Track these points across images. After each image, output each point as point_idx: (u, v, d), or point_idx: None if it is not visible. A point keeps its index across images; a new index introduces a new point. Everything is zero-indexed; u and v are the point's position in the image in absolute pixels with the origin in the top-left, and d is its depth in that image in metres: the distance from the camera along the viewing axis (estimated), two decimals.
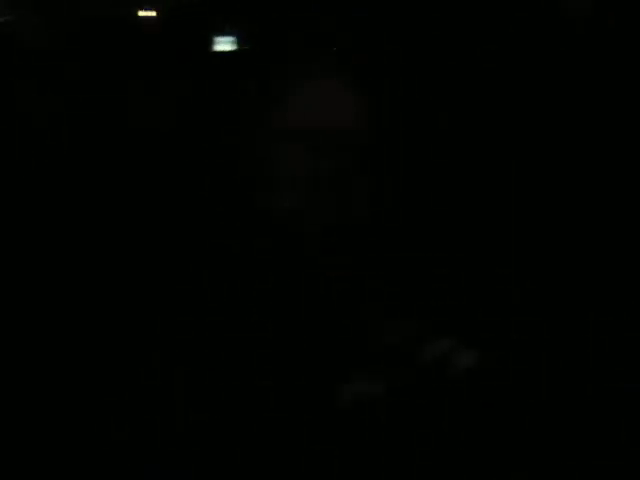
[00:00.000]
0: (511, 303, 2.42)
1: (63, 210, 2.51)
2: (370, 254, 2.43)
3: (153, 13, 2.73)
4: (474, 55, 2.70)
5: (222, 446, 2.15)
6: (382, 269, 2.42)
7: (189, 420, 2.17)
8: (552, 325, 2.38)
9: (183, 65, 2.67)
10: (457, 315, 2.39)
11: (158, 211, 2.48)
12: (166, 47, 2.71)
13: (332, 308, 2.32)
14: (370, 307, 2.34)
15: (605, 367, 2.31)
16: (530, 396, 2.28)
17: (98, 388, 2.23)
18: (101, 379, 2.25)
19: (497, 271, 2.46)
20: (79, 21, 2.66)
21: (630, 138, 2.63)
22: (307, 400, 2.21)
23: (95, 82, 2.64)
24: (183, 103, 2.62)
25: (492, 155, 2.67)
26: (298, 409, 2.20)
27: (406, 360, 2.29)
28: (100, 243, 2.46)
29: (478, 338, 2.35)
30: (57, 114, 2.57)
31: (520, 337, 2.36)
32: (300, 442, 2.14)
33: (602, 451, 2.19)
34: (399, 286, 2.40)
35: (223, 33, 2.66)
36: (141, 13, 2.72)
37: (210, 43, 2.68)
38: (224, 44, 2.66)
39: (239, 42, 2.64)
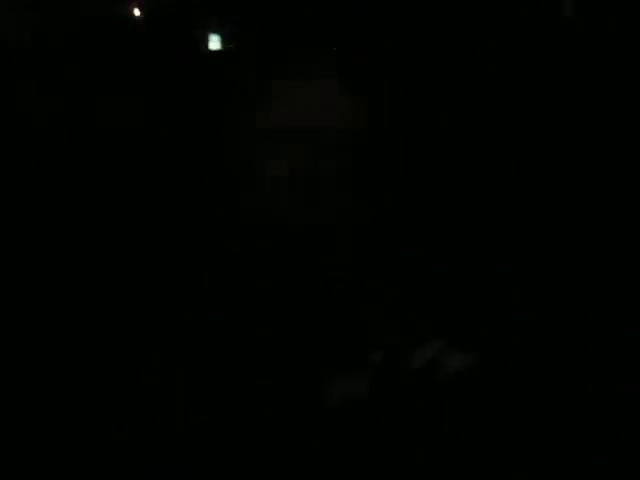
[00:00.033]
0: (510, 303, 2.42)
1: (62, 210, 2.51)
2: (367, 254, 2.43)
3: (137, 12, 2.72)
4: (474, 55, 2.70)
5: (222, 446, 2.15)
6: (379, 269, 2.42)
7: (189, 420, 2.18)
8: (551, 325, 2.39)
9: (170, 64, 2.66)
10: (456, 315, 2.39)
11: (156, 211, 2.48)
12: (152, 46, 2.70)
13: (329, 308, 2.32)
14: (367, 307, 2.34)
15: (605, 367, 2.31)
16: (529, 396, 2.29)
17: (98, 388, 2.24)
18: (101, 379, 2.25)
19: (496, 271, 2.46)
20: (65, 19, 2.65)
21: (630, 139, 2.63)
22: (305, 400, 2.21)
23: (80, 80, 2.63)
24: (172, 102, 2.61)
25: (491, 155, 2.67)
26: (297, 409, 2.20)
27: (403, 359, 2.29)
28: (99, 243, 2.46)
29: (477, 338, 2.36)
30: (44, 113, 2.57)
31: (519, 337, 2.36)
32: (299, 442, 2.15)
33: (602, 451, 2.20)
34: (396, 286, 2.40)
35: (213, 31, 2.65)
36: (125, 12, 2.71)
37: (201, 41, 2.67)
38: (215, 43, 2.65)
39: (230, 40, 2.62)
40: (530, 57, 2.71)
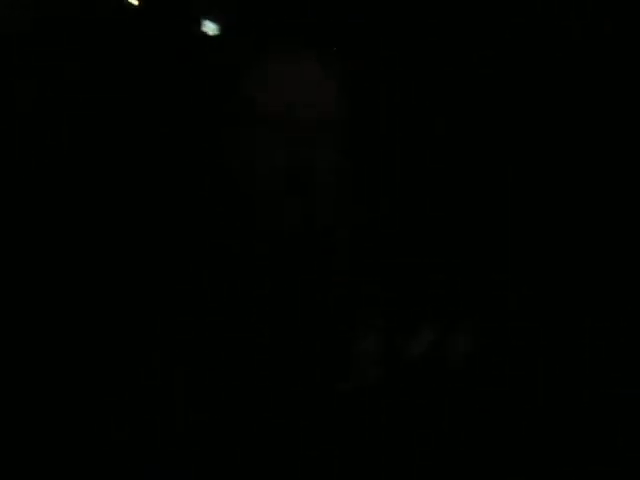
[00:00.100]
0: (508, 308, 2.44)
1: (63, 210, 2.51)
2: (364, 255, 2.44)
3: (135, 1, 2.71)
4: (470, 60, 2.72)
5: (222, 446, 2.16)
6: (376, 271, 2.43)
7: (189, 420, 2.18)
8: (549, 330, 2.40)
9: (167, 51, 2.65)
10: (455, 319, 2.41)
11: (153, 208, 2.48)
12: (149, 34, 2.68)
13: (326, 307, 2.33)
14: (366, 308, 2.36)
15: (602, 373, 2.33)
16: (527, 402, 2.30)
17: (98, 388, 2.24)
18: (101, 379, 2.25)
19: (493, 276, 2.48)
20: (61, 6, 2.63)
21: (628, 142, 2.64)
22: (305, 399, 2.23)
23: (79, 69, 2.61)
24: (168, 91, 2.60)
25: (488, 159, 2.68)
26: (297, 408, 2.21)
27: (400, 348, 2.30)
28: (99, 243, 2.46)
29: (475, 343, 2.37)
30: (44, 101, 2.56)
31: (517, 342, 2.38)
32: (299, 441, 2.16)
33: (599, 455, 2.22)
34: (393, 287, 2.41)
35: (209, 19, 2.63)
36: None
37: (197, 29, 2.66)
38: (211, 30, 2.64)
39: (225, 28, 2.59)
40: (527, 62, 2.73)
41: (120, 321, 2.31)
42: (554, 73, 2.69)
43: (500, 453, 2.23)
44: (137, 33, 2.59)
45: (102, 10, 2.57)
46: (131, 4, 2.70)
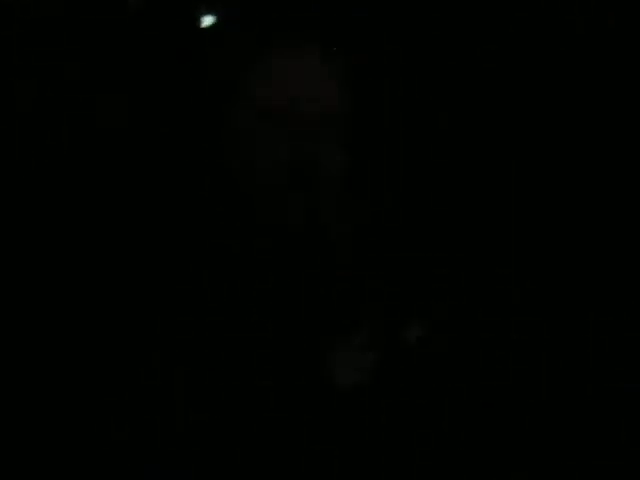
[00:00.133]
0: (510, 302, 2.42)
1: (62, 209, 2.51)
2: (367, 249, 2.43)
3: None
4: (474, 55, 2.71)
5: (222, 446, 2.15)
6: (380, 265, 2.42)
7: (189, 420, 2.17)
8: (551, 325, 2.39)
9: (165, 43, 2.64)
10: (455, 314, 2.39)
11: (154, 204, 2.48)
12: (148, 28, 2.68)
13: (329, 301, 2.32)
14: (368, 303, 2.35)
15: (605, 367, 2.31)
16: (528, 396, 2.29)
17: (98, 388, 2.23)
18: (101, 379, 2.25)
19: (495, 270, 2.46)
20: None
21: (630, 140, 2.63)
22: (305, 398, 2.21)
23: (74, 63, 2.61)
24: (166, 84, 2.60)
25: (492, 153, 2.67)
26: (297, 407, 2.20)
27: (404, 352, 2.29)
28: (96, 241, 2.46)
29: (476, 338, 2.36)
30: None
31: (519, 337, 2.36)
32: (300, 441, 2.15)
33: (601, 451, 2.20)
34: (396, 281, 2.40)
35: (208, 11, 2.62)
36: None
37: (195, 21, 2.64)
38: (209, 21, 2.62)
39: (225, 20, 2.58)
40: (531, 58, 2.71)
41: (119, 320, 2.30)
42: (559, 67, 2.68)
43: (502, 447, 2.22)
44: (136, 27, 2.59)
45: (101, 5, 2.57)
46: None
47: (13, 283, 2.36)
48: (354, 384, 2.23)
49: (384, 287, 2.37)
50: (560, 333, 2.40)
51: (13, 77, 2.58)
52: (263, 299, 2.31)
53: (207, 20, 2.61)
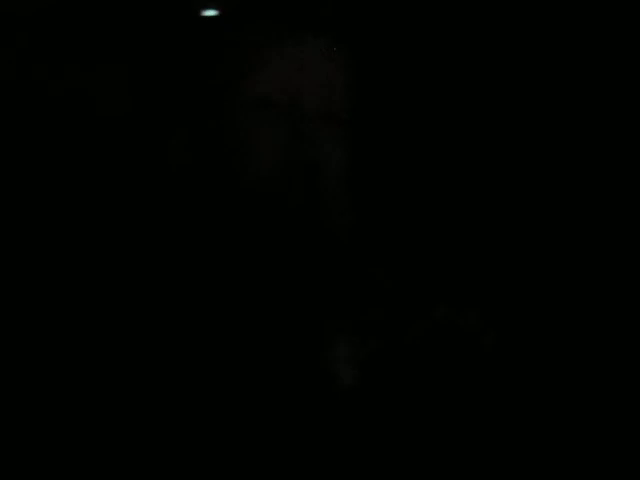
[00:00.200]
0: (511, 301, 2.42)
1: (60, 209, 2.49)
2: (369, 246, 2.43)
3: None
4: (474, 55, 2.70)
5: (222, 446, 2.14)
6: (381, 261, 2.42)
7: (189, 420, 2.16)
8: (553, 324, 2.39)
9: (164, 29, 2.62)
10: (461, 305, 2.39)
11: (153, 202, 2.47)
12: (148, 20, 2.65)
13: (329, 298, 2.31)
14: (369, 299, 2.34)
15: (605, 366, 2.32)
16: (530, 394, 2.29)
17: (98, 388, 2.22)
18: (101, 379, 2.23)
19: (499, 262, 2.47)
20: None
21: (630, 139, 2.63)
22: (306, 398, 2.21)
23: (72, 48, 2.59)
24: (165, 69, 2.58)
25: (494, 150, 2.67)
26: (298, 407, 2.20)
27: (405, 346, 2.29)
28: (97, 239, 2.45)
29: (477, 341, 2.36)
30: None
31: (521, 335, 2.37)
32: (301, 442, 2.14)
33: (602, 451, 2.20)
34: (397, 278, 2.40)
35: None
36: None
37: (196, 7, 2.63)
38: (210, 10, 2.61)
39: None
40: (529, 57, 2.71)
41: (119, 320, 2.29)
42: (560, 67, 2.68)
43: (506, 443, 2.22)
44: (136, 20, 2.57)
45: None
46: None
47: (13, 282, 2.35)
48: (353, 381, 2.23)
49: (384, 284, 2.37)
50: (560, 332, 2.41)
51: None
52: (263, 294, 2.30)
53: (208, 13, 2.61)
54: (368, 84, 2.56)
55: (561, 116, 2.59)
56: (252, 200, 2.31)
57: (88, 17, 2.55)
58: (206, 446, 2.17)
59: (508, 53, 2.62)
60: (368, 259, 2.38)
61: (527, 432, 2.23)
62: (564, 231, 2.51)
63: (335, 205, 2.34)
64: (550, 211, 2.52)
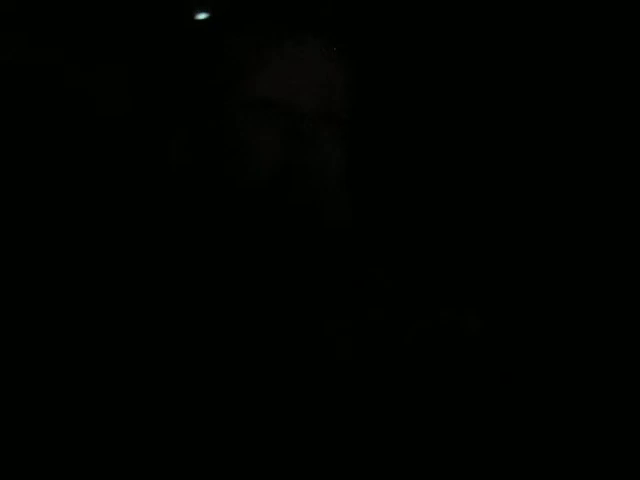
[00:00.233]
0: (512, 302, 2.43)
1: (59, 208, 2.50)
2: (367, 247, 2.43)
3: None
4: (474, 55, 2.71)
5: (222, 446, 2.14)
6: (380, 261, 2.42)
7: (189, 420, 2.16)
8: (555, 325, 2.39)
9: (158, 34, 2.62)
10: (463, 305, 2.39)
11: (149, 203, 2.47)
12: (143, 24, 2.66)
13: (328, 297, 2.31)
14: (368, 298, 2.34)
15: (608, 368, 2.32)
16: (530, 395, 2.29)
17: (98, 388, 2.22)
18: (101, 379, 2.23)
19: (502, 262, 2.47)
20: None
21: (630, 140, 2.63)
22: (305, 399, 2.21)
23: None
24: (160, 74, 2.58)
25: (495, 151, 2.67)
26: (297, 407, 2.20)
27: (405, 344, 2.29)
28: (96, 239, 2.45)
29: (478, 341, 2.36)
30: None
31: (522, 336, 2.37)
32: (301, 442, 2.14)
33: (602, 452, 2.20)
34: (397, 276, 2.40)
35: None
36: None
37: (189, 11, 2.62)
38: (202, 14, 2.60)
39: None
40: (530, 57, 2.71)
41: (119, 320, 2.29)
42: (565, 67, 2.68)
43: (506, 444, 2.22)
44: (135, 19, 2.58)
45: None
46: None
47: (13, 282, 2.35)
48: (352, 381, 2.23)
49: (384, 284, 2.37)
50: (559, 332, 2.41)
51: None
52: (260, 295, 2.30)
53: (197, 19, 2.60)
54: (368, 84, 2.56)
55: (557, 117, 2.59)
56: (251, 200, 2.31)
57: (88, 16, 2.55)
58: (207, 431, 2.16)
59: (509, 52, 2.62)
60: (368, 259, 2.38)
61: (527, 432, 2.23)
62: (565, 231, 2.50)
63: (335, 205, 2.34)
64: (551, 211, 2.52)
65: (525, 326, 2.33)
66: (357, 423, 2.16)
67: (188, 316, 2.24)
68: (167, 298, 2.27)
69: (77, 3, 2.61)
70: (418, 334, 2.25)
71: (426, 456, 2.15)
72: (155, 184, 2.42)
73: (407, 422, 2.18)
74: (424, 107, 2.62)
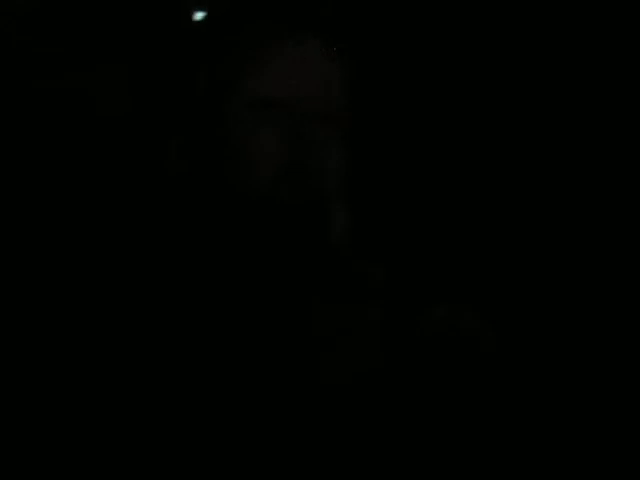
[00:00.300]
0: (512, 302, 2.42)
1: (58, 208, 2.49)
2: (367, 248, 2.43)
3: None
4: (474, 55, 2.71)
5: (222, 446, 2.14)
6: (378, 264, 2.42)
7: (189, 420, 2.16)
8: (554, 325, 2.39)
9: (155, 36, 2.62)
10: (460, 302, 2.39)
11: (147, 204, 2.47)
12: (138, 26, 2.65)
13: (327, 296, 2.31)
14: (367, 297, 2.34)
15: (607, 369, 2.32)
16: (530, 396, 2.29)
17: (98, 388, 2.22)
18: (101, 379, 2.23)
19: (497, 269, 2.47)
20: None
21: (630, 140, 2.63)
22: (304, 399, 2.21)
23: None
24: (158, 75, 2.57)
25: (494, 153, 2.67)
26: (295, 407, 2.19)
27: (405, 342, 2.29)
28: (96, 240, 2.45)
29: (477, 342, 2.36)
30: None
31: (521, 337, 2.36)
32: (301, 443, 2.14)
33: (603, 452, 2.20)
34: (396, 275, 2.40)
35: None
36: None
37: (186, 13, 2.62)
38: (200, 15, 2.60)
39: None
40: (530, 57, 2.71)
41: (119, 320, 2.29)
42: (559, 67, 2.68)
43: (506, 444, 2.22)
44: (135, 20, 2.58)
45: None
46: None
47: (13, 282, 2.35)
48: (351, 381, 2.23)
49: (384, 284, 2.37)
50: (559, 333, 2.41)
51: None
52: (259, 297, 2.30)
53: (195, 20, 2.60)
54: (369, 84, 2.55)
55: (555, 118, 2.59)
56: (252, 200, 2.31)
57: (87, 16, 2.55)
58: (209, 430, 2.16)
59: (509, 51, 2.62)
60: (367, 258, 2.38)
61: (527, 433, 2.23)
62: (564, 232, 2.50)
63: (335, 204, 2.34)
64: (551, 211, 2.52)
65: (521, 323, 2.32)
66: (357, 422, 2.17)
67: (188, 317, 2.24)
68: (167, 298, 2.27)
69: (78, 3, 2.61)
70: (416, 332, 2.25)
71: (425, 455, 2.15)
72: (155, 183, 2.42)
73: (406, 420, 2.18)
74: (424, 106, 2.62)
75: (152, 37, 2.61)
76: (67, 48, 2.59)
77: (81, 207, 2.51)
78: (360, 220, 2.42)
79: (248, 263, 2.27)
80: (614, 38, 2.59)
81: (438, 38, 2.60)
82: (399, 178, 2.54)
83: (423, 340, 2.24)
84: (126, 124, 2.56)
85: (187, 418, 2.13)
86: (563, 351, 2.33)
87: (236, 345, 2.20)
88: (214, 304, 2.25)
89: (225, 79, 2.34)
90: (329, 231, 2.33)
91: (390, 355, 2.23)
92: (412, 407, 2.19)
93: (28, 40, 2.56)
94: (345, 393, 2.18)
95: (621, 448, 2.25)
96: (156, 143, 2.46)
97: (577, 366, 2.31)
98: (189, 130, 2.38)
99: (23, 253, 2.43)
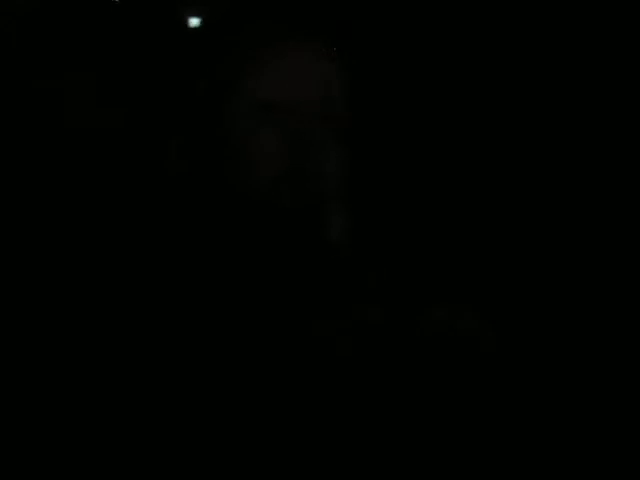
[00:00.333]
0: (511, 303, 2.43)
1: (57, 209, 2.49)
2: (367, 251, 2.43)
3: None
4: (474, 55, 2.71)
5: (222, 446, 2.14)
6: (378, 265, 2.42)
7: (189, 420, 2.16)
8: (553, 326, 2.39)
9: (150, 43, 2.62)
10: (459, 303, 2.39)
11: (147, 206, 2.47)
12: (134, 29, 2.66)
13: (327, 298, 2.31)
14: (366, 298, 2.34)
15: (607, 370, 2.32)
16: (530, 396, 2.29)
17: (97, 388, 2.22)
18: (100, 379, 2.23)
19: (496, 270, 2.47)
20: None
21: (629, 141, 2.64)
22: (303, 399, 2.21)
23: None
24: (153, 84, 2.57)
25: (491, 154, 2.67)
26: (294, 408, 2.20)
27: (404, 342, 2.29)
28: (95, 242, 2.45)
29: (477, 342, 2.36)
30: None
31: (521, 337, 2.37)
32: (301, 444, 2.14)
33: (603, 453, 2.20)
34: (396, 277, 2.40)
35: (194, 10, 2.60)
36: None
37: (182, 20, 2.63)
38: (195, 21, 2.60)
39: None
40: (530, 57, 2.71)
41: (119, 320, 2.29)
42: (561, 68, 2.68)
43: (506, 445, 2.22)
44: (121, 28, 2.58)
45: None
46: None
47: (13, 282, 2.35)
48: (351, 381, 2.23)
49: (383, 284, 2.37)
50: (559, 333, 2.41)
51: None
52: (259, 297, 2.30)
53: (194, 21, 2.60)
54: (369, 85, 2.56)
55: (554, 121, 2.60)
56: (252, 202, 2.31)
57: (84, 20, 2.55)
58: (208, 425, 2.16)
59: (509, 51, 2.62)
60: (368, 260, 2.38)
61: (527, 433, 2.23)
62: (564, 232, 2.51)
63: (335, 205, 2.34)
64: (550, 211, 2.52)
65: (520, 324, 2.33)
66: (356, 421, 2.17)
67: (188, 317, 2.24)
68: (167, 298, 2.27)
69: (77, 3, 2.61)
70: (416, 332, 2.25)
71: (425, 454, 2.15)
72: (155, 183, 2.42)
73: (406, 420, 2.18)
74: (424, 106, 2.62)
75: (153, 38, 2.61)
76: (67, 48, 2.59)
77: (81, 207, 2.51)
78: (360, 220, 2.42)
79: (248, 263, 2.27)
80: (614, 38, 2.60)
81: (438, 40, 2.61)
82: (399, 178, 2.55)
83: (423, 340, 2.24)
84: (126, 124, 2.56)
85: (187, 418, 2.14)
86: (563, 351, 2.34)
87: (236, 345, 2.20)
88: (214, 304, 2.25)
89: (225, 80, 2.34)
90: (329, 231, 2.33)
91: (390, 355, 2.23)
92: (412, 407, 2.19)
93: (28, 40, 2.56)
94: (345, 393, 2.18)
95: (621, 448, 2.25)
96: (156, 143, 2.46)
97: (577, 366, 2.32)
98: (189, 130, 2.38)
99: (23, 252, 2.43)
